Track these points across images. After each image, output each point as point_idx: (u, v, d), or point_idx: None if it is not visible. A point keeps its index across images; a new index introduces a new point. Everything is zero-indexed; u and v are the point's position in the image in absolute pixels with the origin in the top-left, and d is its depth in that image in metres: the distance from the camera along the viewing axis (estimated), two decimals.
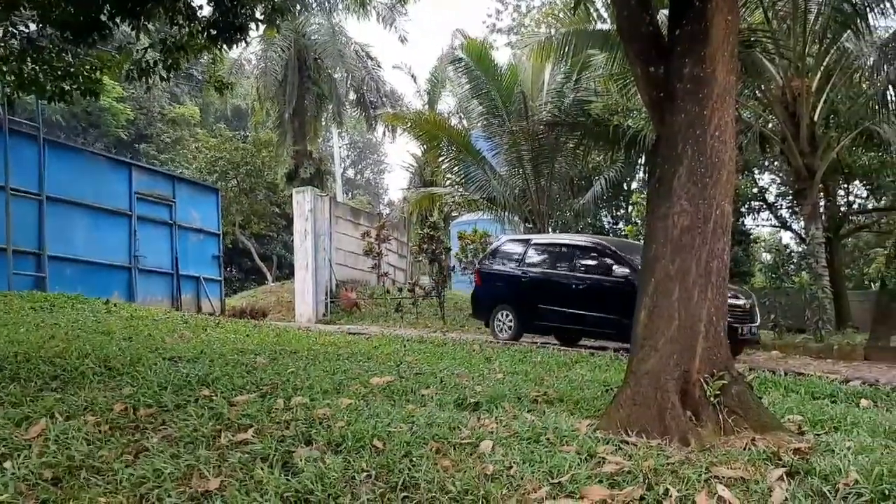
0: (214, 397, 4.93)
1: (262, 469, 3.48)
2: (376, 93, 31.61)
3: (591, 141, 19.43)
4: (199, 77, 36.45)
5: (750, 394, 4.56)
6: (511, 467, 3.63)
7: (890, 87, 14.50)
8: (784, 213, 23.87)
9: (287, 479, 3.35)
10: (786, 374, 7.46)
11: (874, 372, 9.40)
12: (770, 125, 16.60)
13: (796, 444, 3.94)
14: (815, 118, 15.26)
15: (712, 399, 4.35)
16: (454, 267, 19.31)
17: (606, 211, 29.39)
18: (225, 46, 8.07)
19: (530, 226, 22.13)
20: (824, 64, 15.18)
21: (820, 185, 18.99)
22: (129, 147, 37.91)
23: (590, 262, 12.24)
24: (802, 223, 16.70)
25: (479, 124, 22.37)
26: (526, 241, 13.81)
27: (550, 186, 21.14)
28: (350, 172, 63.74)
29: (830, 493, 3.20)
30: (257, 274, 36.22)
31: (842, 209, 22.29)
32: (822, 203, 20.21)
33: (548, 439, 4.11)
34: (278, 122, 31.37)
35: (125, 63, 8.44)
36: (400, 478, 3.43)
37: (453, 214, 30.46)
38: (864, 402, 5.85)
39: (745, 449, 3.91)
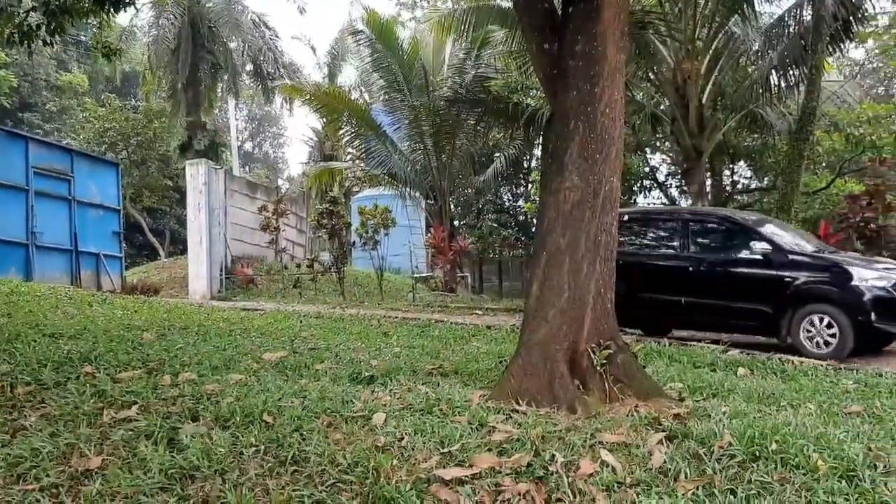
0: (97, 374, 4.75)
1: (145, 446, 3.38)
2: (274, 63, 30.79)
3: (492, 118, 19.58)
4: (88, 43, 34.66)
5: (634, 363, 4.74)
6: (402, 438, 3.65)
7: (773, 71, 15.16)
8: (674, 191, 24.79)
9: (172, 456, 3.27)
10: (670, 344, 7.78)
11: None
12: (662, 106, 17.14)
13: (676, 409, 4.13)
14: (704, 100, 15.80)
15: (599, 368, 4.49)
16: (354, 242, 19.15)
17: (507, 188, 29.81)
18: (112, 11, 7.71)
19: (431, 202, 22.19)
20: (713, 47, 15.72)
21: (707, 165, 19.81)
22: (13, 116, 35.74)
23: (712, 237, 10.38)
24: (690, 201, 17.33)
25: (380, 98, 22.17)
26: (624, 216, 11.15)
27: (452, 163, 21.21)
28: (248, 146, 62.21)
29: (706, 455, 3.36)
30: (149, 250, 34.95)
31: (727, 188, 23.30)
32: (708, 182, 21.09)
33: (441, 410, 4.15)
34: (171, 91, 30.21)
35: (6, 26, 7.93)
36: (290, 452, 3.39)
37: (354, 189, 30.19)
38: (741, 371, 6.18)
39: (628, 415, 4.06)
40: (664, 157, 24.99)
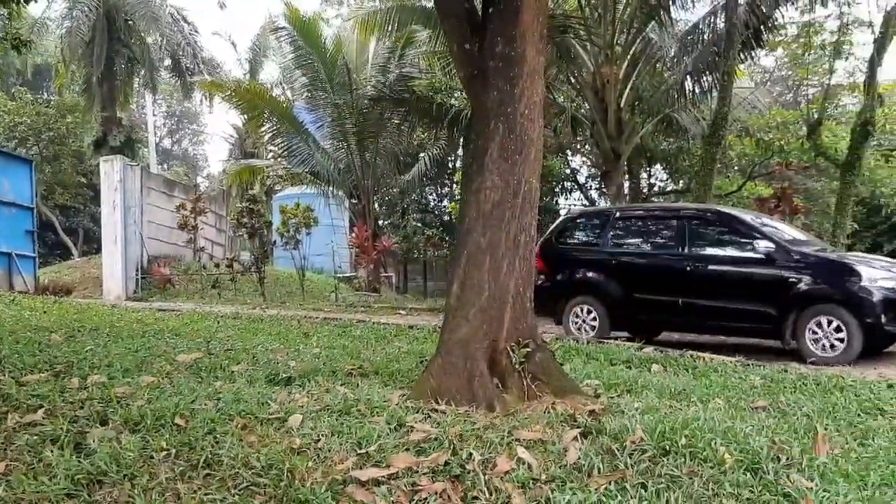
0: (1, 377, 4.54)
1: (51, 451, 3.26)
2: (193, 59, 30.06)
3: (416, 118, 19.58)
4: None
5: (552, 361, 4.81)
6: (319, 440, 3.61)
7: (688, 77, 15.62)
8: (593, 193, 25.31)
9: (79, 461, 3.15)
10: (588, 342, 7.92)
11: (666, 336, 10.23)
12: (582, 109, 17.45)
13: (591, 406, 4.20)
14: (622, 104, 16.18)
15: (518, 366, 4.54)
16: (275, 242, 18.86)
17: (432, 188, 29.88)
18: (23, 1, 7.40)
19: (355, 201, 22.05)
20: (631, 53, 16.12)
21: (625, 167, 20.28)
22: None
23: (712, 235, 9.84)
24: (608, 203, 17.71)
25: (303, 96, 21.92)
26: (606, 214, 11.14)
27: (376, 162, 21.13)
28: (166, 143, 60.51)
29: (619, 450, 3.43)
30: (62, 249, 33.63)
31: (644, 190, 23.91)
32: (626, 184, 21.60)
33: (359, 411, 4.12)
34: (85, 86, 29.12)
35: None
36: (202, 455, 3.31)
37: (276, 188, 29.77)
38: (655, 367, 6.33)
39: (545, 412, 4.12)
40: (584, 159, 25.47)
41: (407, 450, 3.49)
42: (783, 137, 17.64)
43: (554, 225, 11.86)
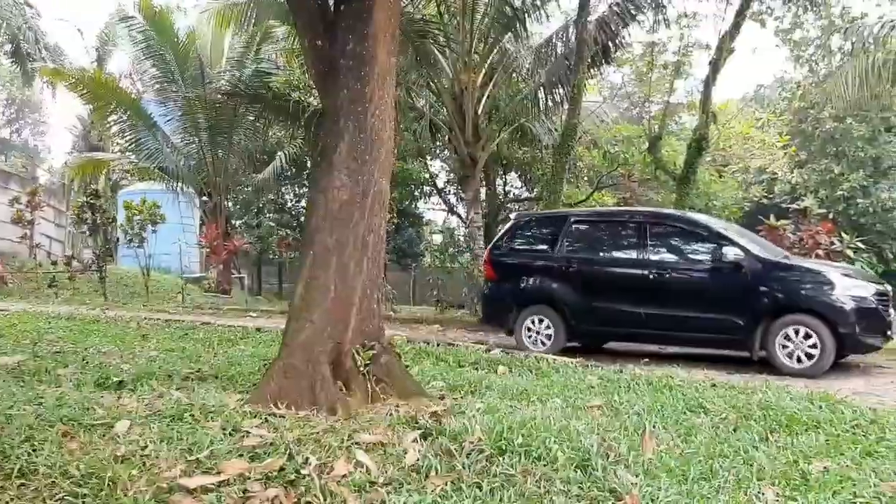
0: None
1: None
2: (35, 45, 28.04)
3: (272, 115, 19.13)
4: None
5: (398, 363, 4.80)
6: (146, 447, 3.41)
7: (541, 88, 16.15)
8: (452, 198, 25.66)
9: None
10: (438, 344, 7.98)
11: (514, 342, 10.47)
12: (441, 115, 17.64)
13: (434, 407, 4.21)
14: (480, 111, 16.50)
15: (363, 369, 4.49)
16: (118, 239, 17.89)
17: (289, 188, 29.32)
18: None
19: (206, 199, 21.31)
20: (489, 61, 16.46)
21: (482, 174, 20.68)
22: None
23: (677, 242, 9.37)
24: (465, 208, 18.00)
25: (153, 88, 20.96)
26: (562, 218, 10.40)
27: (228, 159, 20.50)
28: (5, 132, 56.16)
29: (457, 451, 3.44)
30: None
31: (500, 197, 24.47)
32: (483, 190, 22.03)
33: (192, 416, 3.93)
34: None
35: None
36: (17, 464, 3.05)
37: (123, 183, 28.30)
38: (501, 369, 6.46)
39: (388, 415, 4.09)
40: (443, 164, 25.80)
41: (240, 455, 3.36)
42: (628, 150, 18.56)
43: (504, 229, 11.27)
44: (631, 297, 9.10)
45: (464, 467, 3.28)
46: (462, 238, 18.41)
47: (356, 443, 3.58)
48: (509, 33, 15.87)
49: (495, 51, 16.52)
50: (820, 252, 11.89)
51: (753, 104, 28.05)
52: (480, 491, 3.05)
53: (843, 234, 12.64)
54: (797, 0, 15.61)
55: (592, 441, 3.63)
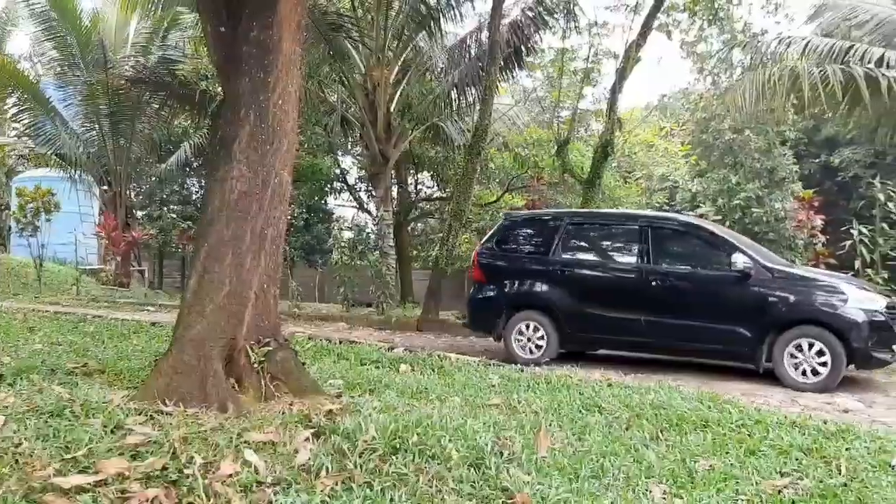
0: None
1: None
2: None
3: (178, 103, 18.57)
4: None
5: (294, 360, 4.68)
6: (21, 444, 3.21)
7: (454, 88, 16.20)
8: (362, 195, 25.46)
9: None
10: (340, 342, 7.88)
11: (422, 340, 10.46)
12: (353, 110, 17.48)
13: (329, 406, 4.13)
14: (392, 109, 16.43)
15: (257, 366, 4.37)
16: (10, 228, 16.99)
17: (195, 179, 28.45)
18: None
19: (106, 188, 20.49)
20: (402, 59, 16.42)
21: (394, 172, 20.60)
22: None
23: (683, 248, 9.07)
24: (376, 206, 17.89)
25: (53, 71, 20.05)
26: (556, 219, 9.86)
27: (130, 147, 19.77)
28: None
29: (350, 450, 3.38)
30: None
31: (412, 196, 24.43)
32: (394, 188, 21.96)
33: (73, 413, 3.74)
34: None
35: None
36: None
37: (19, 169, 26.90)
38: (403, 367, 6.42)
39: (281, 413, 3.98)
40: (354, 160, 25.58)
41: (121, 454, 3.20)
42: (538, 154, 18.82)
43: (493, 229, 10.70)
44: (631, 303, 8.70)
45: (356, 467, 3.21)
46: (372, 235, 18.30)
47: (245, 441, 3.47)
48: (424, 31, 15.86)
49: (409, 48, 16.51)
50: None
51: (657, 113, 28.91)
52: (371, 490, 3.00)
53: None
54: (702, 14, 16.14)
55: (487, 440, 3.63)
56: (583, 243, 9.70)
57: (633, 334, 8.66)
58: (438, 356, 7.01)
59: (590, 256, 9.63)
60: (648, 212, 10.90)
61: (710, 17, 16.20)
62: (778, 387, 7.79)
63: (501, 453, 3.53)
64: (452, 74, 16.35)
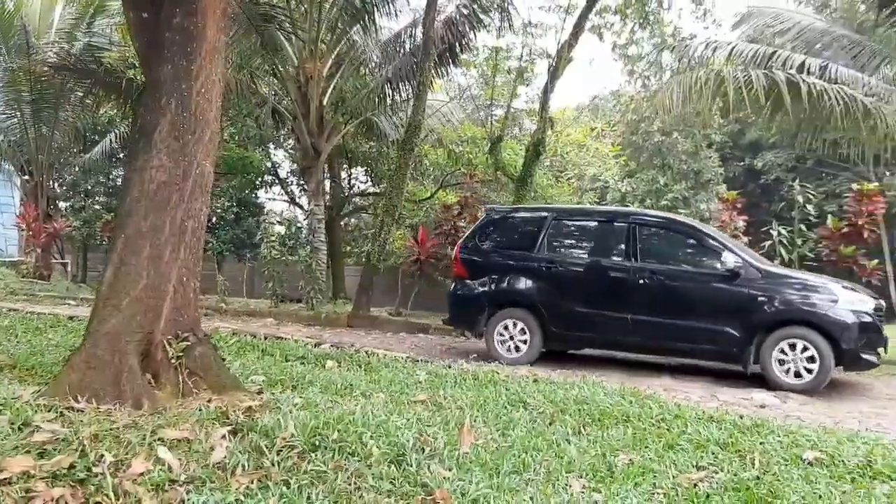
0: None
1: None
2: None
3: (103, 92, 17.91)
4: None
5: (213, 355, 4.57)
6: None
7: (388, 83, 16.11)
8: (294, 189, 25.12)
9: None
10: (266, 338, 7.74)
11: (352, 337, 10.37)
12: (285, 103, 17.22)
13: (249, 402, 4.04)
14: (325, 102, 16.21)
15: (174, 361, 4.25)
16: None
17: (120, 170, 27.61)
18: None
19: (27, 178, 19.75)
20: (336, 52, 16.22)
21: (326, 166, 20.38)
22: None
23: (672, 246, 8.86)
24: (308, 200, 17.65)
25: None
26: (543, 214, 9.64)
27: (53, 136, 19.08)
28: None
29: (268, 447, 3.31)
30: None
31: (345, 191, 24.22)
32: (327, 183, 21.73)
33: None
34: None
35: None
36: None
37: None
38: (329, 364, 6.34)
39: (197, 410, 3.88)
40: (287, 154, 25.22)
41: (27, 452, 3.08)
42: (472, 151, 18.88)
43: (476, 223, 10.45)
44: (618, 302, 8.58)
45: (273, 464, 3.15)
46: (303, 230, 18.05)
47: (159, 439, 3.37)
48: (358, 25, 15.68)
49: (343, 42, 16.32)
50: None
51: (588, 114, 29.38)
52: (288, 489, 2.94)
53: None
54: (632, 17, 16.43)
55: (409, 436, 3.61)
56: (569, 240, 9.53)
57: (619, 333, 8.57)
58: (366, 352, 6.95)
59: (576, 253, 9.37)
60: (638, 209, 10.30)
61: (641, 21, 16.49)
62: (698, 382, 8.02)
63: (423, 449, 3.51)
64: (387, 69, 16.25)
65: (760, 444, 4.34)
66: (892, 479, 3.78)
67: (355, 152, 21.53)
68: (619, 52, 18.60)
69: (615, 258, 8.87)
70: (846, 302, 7.75)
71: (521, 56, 18.25)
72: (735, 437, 4.44)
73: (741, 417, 5.12)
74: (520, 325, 8.90)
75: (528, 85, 20.24)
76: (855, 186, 11.95)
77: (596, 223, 9.59)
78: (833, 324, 7.60)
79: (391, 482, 3.12)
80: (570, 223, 9.65)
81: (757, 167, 29.22)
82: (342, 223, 24.74)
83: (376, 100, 16.57)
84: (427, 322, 12.69)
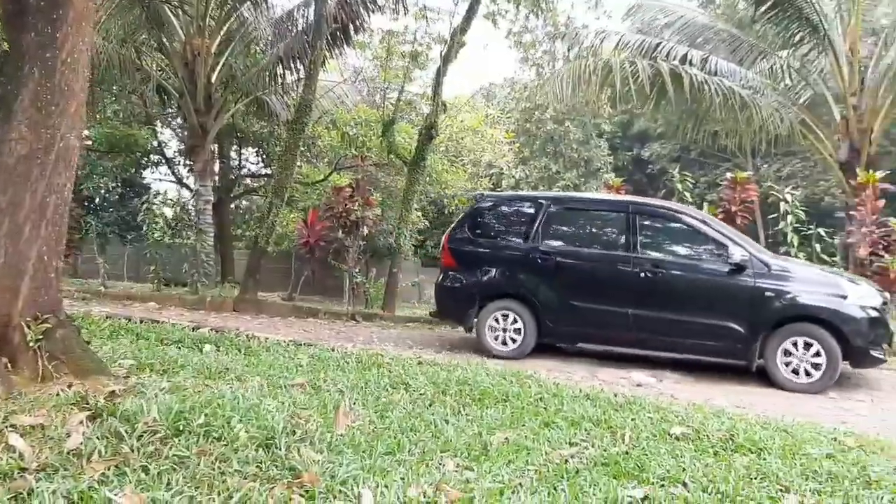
0: None
1: None
2: None
3: None
4: None
5: (76, 338, 4.36)
6: None
7: (280, 62, 15.74)
8: (182, 169, 24.27)
9: None
10: (142, 321, 7.45)
11: (237, 322, 10.13)
12: (171, 80, 16.58)
13: (113, 387, 3.88)
14: (213, 80, 15.70)
15: (33, 344, 4.02)
16: None
17: None
18: None
19: None
20: (226, 28, 15.69)
21: (216, 146, 19.79)
22: None
23: (675, 238, 8.49)
24: (195, 180, 17.05)
25: None
26: (537, 202, 9.18)
27: None
28: None
29: (128, 432, 3.17)
30: None
31: (235, 172, 23.59)
32: (217, 164, 21.10)
33: None
34: None
35: None
36: None
37: None
38: (207, 348, 6.15)
39: (56, 395, 3.69)
40: (174, 132, 24.34)
41: None
42: (366, 134, 18.70)
43: (466, 211, 10.06)
44: (618, 295, 8.24)
45: (132, 450, 3.02)
46: (190, 212, 17.46)
47: (12, 425, 3.18)
48: (249, 2, 15.26)
49: (233, 18, 15.81)
50: None
51: (483, 101, 29.63)
52: (147, 474, 2.82)
53: None
54: (525, 4, 16.62)
55: (280, 419, 3.53)
56: (566, 229, 9.10)
57: (618, 328, 8.29)
58: (247, 336, 6.79)
59: (574, 244, 8.96)
60: (638, 198, 10.29)
61: (534, 9, 16.72)
62: (582, 363, 8.24)
63: (294, 432, 3.44)
64: (278, 47, 15.87)
65: (632, 420, 4.49)
66: (751, 452, 3.96)
67: (246, 132, 21.00)
68: (514, 40, 18.85)
69: (615, 249, 8.58)
70: (856, 297, 7.54)
71: (415, 39, 18.20)
72: (608, 415, 4.58)
73: (615, 395, 5.29)
74: (512, 316, 8.63)
75: (423, 69, 20.20)
76: (729, 175, 12.50)
77: (595, 212, 9.28)
78: (842, 320, 7.37)
79: (258, 466, 3.03)
80: (566, 211, 9.20)
81: (644, 157, 30.34)
82: (232, 205, 24.12)
83: (267, 78, 16.19)
84: (317, 307, 12.55)
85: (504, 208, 9.61)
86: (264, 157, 23.28)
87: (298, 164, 16.61)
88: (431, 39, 18.40)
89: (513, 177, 27.38)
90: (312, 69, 13.03)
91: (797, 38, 13.68)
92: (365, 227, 14.08)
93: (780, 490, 3.33)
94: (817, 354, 7.33)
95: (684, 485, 3.30)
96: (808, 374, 7.37)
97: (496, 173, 26.75)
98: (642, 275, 8.13)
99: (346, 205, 13.57)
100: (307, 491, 2.83)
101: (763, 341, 7.58)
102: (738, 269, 7.77)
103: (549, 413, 4.55)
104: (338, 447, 3.41)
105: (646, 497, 3.10)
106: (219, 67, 15.70)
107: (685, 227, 8.38)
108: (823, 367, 7.28)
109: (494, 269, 8.97)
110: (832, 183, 20.91)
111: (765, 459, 3.81)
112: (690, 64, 13.33)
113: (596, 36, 14.17)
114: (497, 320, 8.67)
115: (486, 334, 8.69)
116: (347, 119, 18.97)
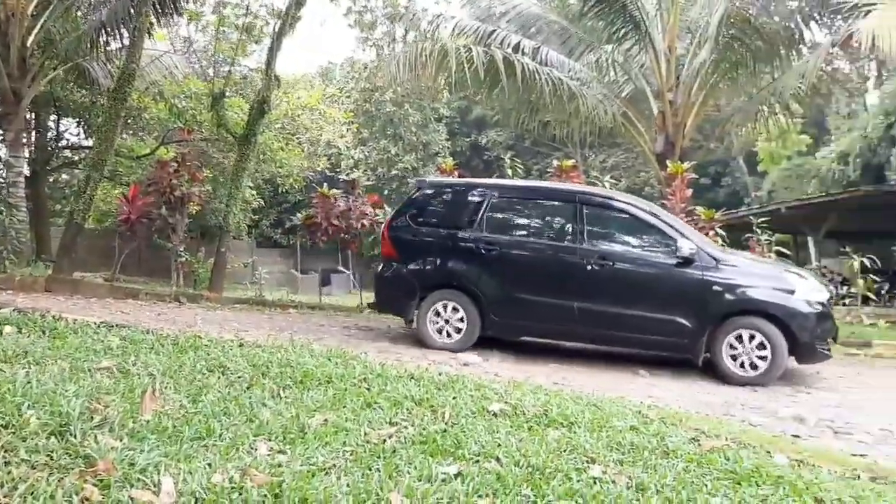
0: None
1: None
2: None
3: None
4: None
5: None
6: None
7: (103, 28, 14.73)
8: None
9: None
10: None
11: (49, 302, 9.40)
12: None
13: None
14: (29, 43, 14.53)
15: None
16: None
17: None
18: None
19: None
20: None
21: (33, 116, 18.32)
22: None
23: (623, 230, 8.27)
24: (5, 151, 15.69)
25: None
26: (483, 189, 8.85)
27: None
28: None
29: None
30: None
31: (53, 143, 21.94)
32: (33, 134, 19.56)
33: None
34: None
35: None
36: None
37: None
38: (7, 329, 5.66)
39: None
40: None
41: None
42: (196, 107, 17.95)
43: (407, 198, 9.54)
44: (564, 288, 8.09)
45: None
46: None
47: None
48: None
49: None
50: (366, 222, 12.82)
51: (320, 79, 29.24)
52: None
53: (386, 207, 13.77)
54: None
55: (76, 405, 3.29)
56: (512, 218, 8.92)
57: (564, 322, 8.12)
58: (53, 318, 6.30)
59: (519, 234, 8.80)
60: (587, 188, 10.06)
61: None
62: (416, 346, 8.31)
63: (92, 419, 3.22)
64: (101, 12, 14.85)
65: (453, 398, 4.55)
66: (563, 426, 4.13)
67: (65, 101, 19.55)
68: (355, 19, 18.69)
69: (561, 240, 8.40)
70: (803, 291, 7.63)
71: (248, 10, 17.61)
72: (431, 394, 4.62)
73: (440, 375, 5.36)
74: (451, 304, 8.40)
75: (258, 42, 19.61)
76: (556, 163, 13.00)
77: (542, 201, 9.03)
78: (789, 314, 7.45)
79: (48, 455, 2.81)
80: (512, 200, 9.00)
81: (481, 143, 31.05)
82: (50, 179, 22.45)
83: (89, 44, 15.09)
84: (139, 287, 11.92)
85: (447, 196, 9.28)
86: (86, 128, 21.78)
87: (123, 136, 15.67)
88: (268, 13, 17.88)
89: (352, 157, 27.22)
90: (137, 36, 12.28)
91: (621, 33, 14.40)
92: (191, 204, 13.50)
93: (587, 461, 3.49)
94: (762, 347, 7.43)
95: (497, 459, 3.39)
96: (753, 366, 7.45)
97: (335, 153, 26.50)
98: (589, 267, 8.02)
99: (170, 180, 12.92)
100: (101, 480, 2.65)
101: (710, 335, 7.62)
102: (686, 262, 7.73)
103: (372, 394, 4.53)
104: (141, 433, 3.22)
105: (459, 473, 3.14)
106: (35, 30, 14.51)
107: (634, 218, 8.27)
108: (769, 360, 7.38)
109: (437, 259, 8.70)
110: (651, 174, 22.32)
111: (575, 433, 3.98)
112: (523, 53, 13.72)
113: (434, 20, 14.27)
114: (438, 312, 8.46)
115: (428, 326, 8.46)
116: (176, 91, 18.13)
